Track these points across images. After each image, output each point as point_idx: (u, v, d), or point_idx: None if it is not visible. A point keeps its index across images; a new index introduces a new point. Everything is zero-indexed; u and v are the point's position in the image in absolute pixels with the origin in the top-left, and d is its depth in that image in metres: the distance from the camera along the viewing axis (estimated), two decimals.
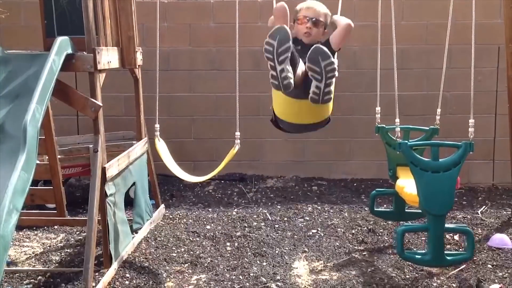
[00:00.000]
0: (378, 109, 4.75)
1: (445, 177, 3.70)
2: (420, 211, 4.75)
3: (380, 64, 4.65)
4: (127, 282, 4.04)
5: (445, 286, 3.97)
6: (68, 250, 4.66)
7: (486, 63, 6.47)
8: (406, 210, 4.76)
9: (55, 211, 5.18)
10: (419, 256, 3.85)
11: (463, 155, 3.73)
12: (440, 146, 3.83)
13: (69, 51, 3.90)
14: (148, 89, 5.58)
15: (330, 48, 3.59)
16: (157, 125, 4.54)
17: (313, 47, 3.28)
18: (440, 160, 3.74)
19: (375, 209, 4.85)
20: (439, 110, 4.64)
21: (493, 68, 6.55)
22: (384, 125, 4.68)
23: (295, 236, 4.98)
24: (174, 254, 4.57)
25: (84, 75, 4.12)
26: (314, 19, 3.67)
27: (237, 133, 4.16)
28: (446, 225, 3.83)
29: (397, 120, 4.08)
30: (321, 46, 3.29)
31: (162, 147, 4.53)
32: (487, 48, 6.39)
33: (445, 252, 3.79)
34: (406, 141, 3.82)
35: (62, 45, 3.81)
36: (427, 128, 4.73)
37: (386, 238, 4.90)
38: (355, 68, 6.62)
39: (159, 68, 4.70)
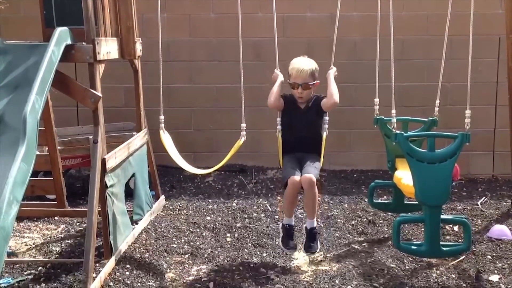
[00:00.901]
0: (376, 100, 4.74)
1: (441, 168, 3.70)
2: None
3: (380, 55, 4.63)
4: (127, 273, 4.04)
5: (444, 277, 3.98)
6: (69, 241, 4.67)
7: (487, 54, 6.45)
8: (405, 202, 4.76)
9: (55, 202, 5.20)
10: (415, 247, 3.87)
11: (459, 146, 3.72)
12: (437, 137, 3.82)
13: (69, 41, 3.89)
14: (147, 80, 5.57)
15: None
16: (161, 117, 4.52)
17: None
18: (436, 151, 3.73)
19: (374, 201, 4.85)
20: (438, 102, 4.63)
21: (494, 59, 6.53)
22: (383, 117, 4.67)
23: (295, 227, 4.97)
24: (175, 245, 4.58)
25: (83, 66, 4.11)
26: (303, 85, 4.08)
27: (243, 125, 4.13)
28: (443, 216, 3.84)
29: (393, 111, 4.07)
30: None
31: (167, 139, 4.52)
32: (488, 38, 6.37)
33: (442, 243, 3.81)
34: (402, 132, 3.82)
35: (61, 35, 3.79)
36: (426, 119, 4.72)
37: (386, 229, 4.90)
38: (356, 59, 6.61)
39: (159, 59, 4.68)
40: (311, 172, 3.96)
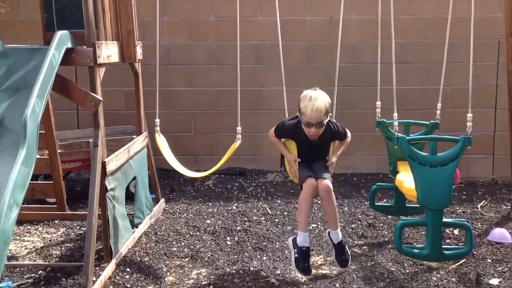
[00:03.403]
0: (378, 103, 4.75)
1: (443, 172, 3.70)
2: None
3: (380, 58, 4.64)
4: (127, 277, 4.04)
5: (444, 280, 3.97)
6: (69, 245, 4.67)
7: (486, 57, 6.46)
8: (406, 205, 4.75)
9: (56, 206, 5.20)
10: (417, 251, 3.85)
11: (461, 149, 3.72)
12: (438, 140, 3.83)
13: (69, 45, 3.89)
14: (147, 83, 5.58)
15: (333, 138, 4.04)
16: (157, 120, 4.54)
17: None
18: (438, 154, 3.74)
19: (375, 203, 4.85)
20: (439, 105, 4.64)
21: (493, 62, 6.54)
22: (385, 120, 4.68)
23: (295, 231, 4.98)
24: (174, 249, 4.57)
25: (84, 69, 4.12)
26: (317, 123, 3.85)
27: (239, 128, 4.15)
28: (445, 220, 3.84)
29: (395, 114, 4.08)
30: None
31: (162, 142, 4.54)
32: (487, 42, 6.38)
33: (444, 246, 3.80)
34: (404, 135, 3.83)
35: (61, 39, 3.80)
36: (428, 122, 4.73)
37: (386, 233, 4.90)
38: (355, 62, 6.61)
39: (159, 63, 4.70)
40: (327, 177, 3.86)
